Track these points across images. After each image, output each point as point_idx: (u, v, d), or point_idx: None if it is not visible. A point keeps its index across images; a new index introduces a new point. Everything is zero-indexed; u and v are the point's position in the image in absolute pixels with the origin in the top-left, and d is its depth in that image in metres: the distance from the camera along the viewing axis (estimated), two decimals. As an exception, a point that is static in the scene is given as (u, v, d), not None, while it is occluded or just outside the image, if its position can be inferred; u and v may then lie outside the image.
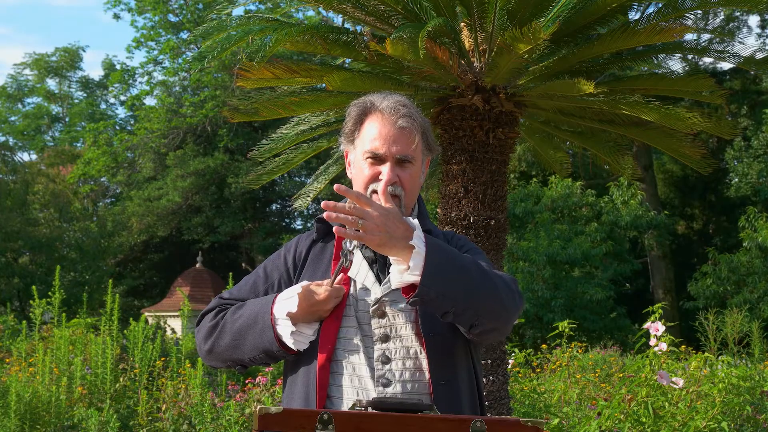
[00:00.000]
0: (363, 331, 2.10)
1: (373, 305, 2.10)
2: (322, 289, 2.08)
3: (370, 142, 2.14)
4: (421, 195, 2.29)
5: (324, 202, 1.97)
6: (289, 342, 2.07)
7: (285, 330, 2.07)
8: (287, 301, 2.08)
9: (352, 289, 2.14)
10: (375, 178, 2.13)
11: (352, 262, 2.12)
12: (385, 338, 2.09)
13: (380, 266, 2.14)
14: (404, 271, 1.95)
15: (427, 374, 2.06)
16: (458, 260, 1.99)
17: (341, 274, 2.13)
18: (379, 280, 2.13)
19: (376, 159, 2.14)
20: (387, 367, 2.07)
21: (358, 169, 2.18)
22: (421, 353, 2.07)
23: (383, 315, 2.10)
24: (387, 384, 2.05)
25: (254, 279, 2.26)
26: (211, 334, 2.18)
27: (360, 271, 2.14)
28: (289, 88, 6.43)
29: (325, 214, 1.97)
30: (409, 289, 1.96)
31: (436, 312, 1.99)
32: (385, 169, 2.12)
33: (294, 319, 2.07)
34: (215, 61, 6.07)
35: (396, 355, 2.07)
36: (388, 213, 1.96)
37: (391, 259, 2.00)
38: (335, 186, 1.95)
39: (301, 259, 2.24)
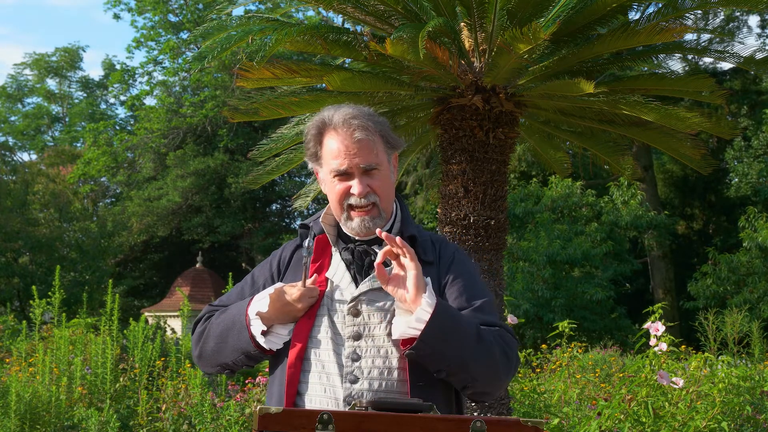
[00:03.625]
0: (335, 330, 2.14)
1: (350, 303, 2.15)
2: (294, 289, 2.13)
3: (332, 161, 2.18)
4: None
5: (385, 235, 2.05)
6: (261, 341, 2.12)
7: (257, 330, 2.12)
8: (259, 302, 2.15)
9: (327, 288, 2.19)
10: (347, 194, 2.18)
11: (325, 260, 2.20)
12: (357, 336, 2.13)
13: (357, 268, 2.19)
14: (408, 323, 2.02)
15: (396, 373, 2.10)
16: (460, 323, 2.04)
17: (315, 275, 2.19)
18: (356, 281, 2.18)
19: (343, 175, 2.17)
20: (356, 364, 2.10)
21: (330, 187, 2.21)
22: (392, 353, 2.11)
23: (358, 314, 2.14)
24: (354, 381, 2.09)
25: (242, 285, 2.33)
26: (199, 340, 2.26)
27: (337, 271, 2.19)
28: (289, 88, 6.43)
29: (378, 230, 2.07)
30: (407, 340, 2.03)
31: (430, 368, 2.05)
32: (354, 183, 2.16)
33: (266, 319, 2.13)
34: (215, 61, 6.07)
35: (366, 353, 2.11)
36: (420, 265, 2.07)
37: (397, 308, 2.07)
38: (377, 230, 2.07)
39: (284, 263, 2.30)
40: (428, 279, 2.09)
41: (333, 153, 2.17)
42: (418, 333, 1.99)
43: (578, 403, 6.47)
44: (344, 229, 2.23)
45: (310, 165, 2.30)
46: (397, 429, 1.74)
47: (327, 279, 2.19)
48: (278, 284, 2.17)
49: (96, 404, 6.86)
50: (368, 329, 2.13)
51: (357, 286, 2.17)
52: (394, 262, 2.07)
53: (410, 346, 2.01)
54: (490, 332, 2.10)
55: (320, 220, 2.27)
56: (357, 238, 2.22)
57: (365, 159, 2.16)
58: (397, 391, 2.08)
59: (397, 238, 2.03)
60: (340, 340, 2.13)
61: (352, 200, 2.16)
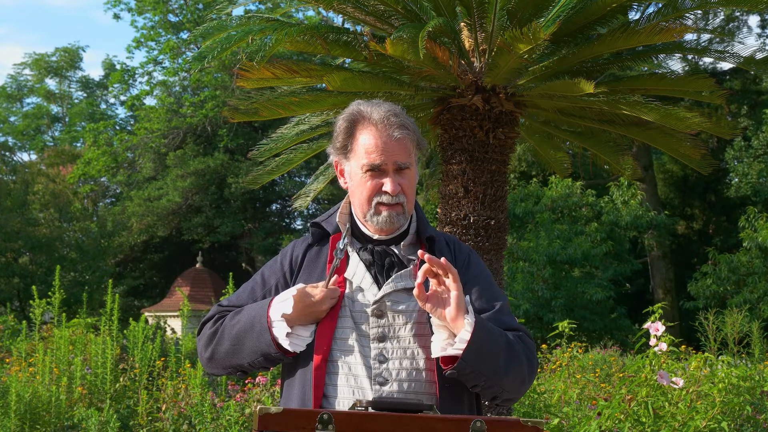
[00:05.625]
0: (359, 331, 2.12)
1: (373, 304, 2.12)
2: (317, 290, 2.10)
3: (367, 156, 2.15)
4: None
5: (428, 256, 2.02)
6: (285, 344, 2.09)
7: (281, 332, 2.09)
8: (282, 304, 2.11)
9: (347, 289, 2.16)
10: (378, 190, 2.16)
11: (342, 260, 2.16)
12: (382, 338, 2.10)
13: (378, 269, 2.17)
14: (447, 342, 2.03)
15: (424, 374, 2.09)
16: (496, 340, 2.06)
17: (336, 275, 2.15)
18: (377, 282, 2.15)
19: (376, 170, 2.15)
20: (384, 366, 2.08)
21: (358, 182, 2.18)
22: (418, 354, 2.09)
23: (382, 315, 2.12)
24: (384, 383, 2.06)
25: (252, 285, 2.28)
26: (210, 341, 2.20)
27: (357, 272, 2.17)
28: (289, 88, 6.43)
29: (420, 252, 2.05)
30: (447, 359, 2.04)
31: (466, 383, 2.07)
32: (388, 181, 2.15)
33: (290, 321, 2.09)
34: (215, 61, 6.07)
35: (393, 354, 2.09)
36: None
37: (434, 325, 2.07)
38: (419, 252, 2.04)
39: (297, 262, 2.26)
40: (468, 297, 2.09)
41: (369, 148, 2.14)
42: (460, 353, 2.00)
43: (578, 403, 6.47)
44: (365, 227, 2.21)
45: (333, 157, 2.27)
46: (397, 429, 1.74)
47: (345, 279, 2.17)
48: (299, 285, 2.13)
49: (96, 404, 6.85)
50: (393, 330, 2.11)
51: (379, 287, 2.14)
52: (422, 275, 2.04)
53: (452, 366, 2.02)
54: (517, 341, 2.12)
55: (336, 219, 2.25)
56: (376, 236, 2.20)
57: (402, 157, 2.15)
58: (425, 392, 2.08)
59: (443, 259, 2.02)
60: (365, 342, 2.11)
61: (384, 198, 2.15)
